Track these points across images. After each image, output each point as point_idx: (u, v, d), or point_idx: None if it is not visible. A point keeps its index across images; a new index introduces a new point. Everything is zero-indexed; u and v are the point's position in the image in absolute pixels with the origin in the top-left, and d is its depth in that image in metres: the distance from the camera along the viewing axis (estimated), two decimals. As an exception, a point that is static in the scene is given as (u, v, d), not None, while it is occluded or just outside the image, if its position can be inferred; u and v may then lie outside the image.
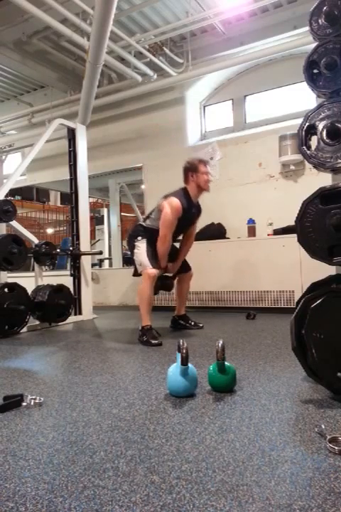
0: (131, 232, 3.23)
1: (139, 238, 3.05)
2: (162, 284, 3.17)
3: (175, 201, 2.95)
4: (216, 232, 4.77)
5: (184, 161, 3.19)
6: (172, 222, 2.95)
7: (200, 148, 5.30)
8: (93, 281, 4.99)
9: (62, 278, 4.40)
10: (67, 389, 1.85)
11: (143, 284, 2.95)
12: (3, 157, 7.22)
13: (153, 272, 2.92)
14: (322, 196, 1.56)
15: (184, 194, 3.06)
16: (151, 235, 3.01)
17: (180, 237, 3.34)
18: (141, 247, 3.00)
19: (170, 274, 3.24)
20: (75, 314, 4.28)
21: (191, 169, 3.10)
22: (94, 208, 10.82)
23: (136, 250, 3.04)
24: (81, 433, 1.33)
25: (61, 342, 3.16)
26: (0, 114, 6.64)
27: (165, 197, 3.04)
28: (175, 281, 3.34)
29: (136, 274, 3.10)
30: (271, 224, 4.42)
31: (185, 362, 1.63)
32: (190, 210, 3.10)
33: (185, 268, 3.32)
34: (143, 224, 3.15)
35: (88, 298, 4.43)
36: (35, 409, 1.58)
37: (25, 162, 4.09)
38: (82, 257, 4.35)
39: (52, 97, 6.00)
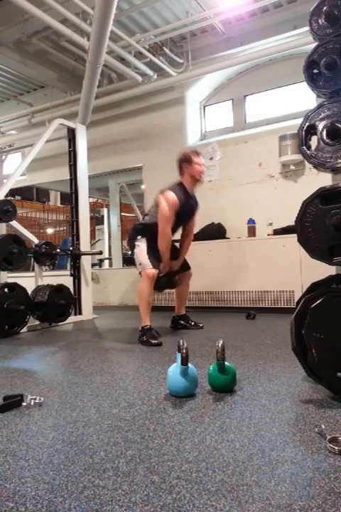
0: (131, 233, 3.24)
1: (139, 237, 3.05)
2: (167, 281, 3.18)
3: (171, 195, 2.96)
4: (216, 232, 4.77)
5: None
6: (169, 216, 2.94)
7: (200, 149, 5.30)
8: (93, 281, 4.99)
9: (62, 278, 4.40)
10: (67, 389, 1.85)
11: (142, 284, 2.95)
12: (3, 157, 7.22)
13: (152, 272, 2.92)
14: (322, 196, 1.56)
15: (179, 187, 3.06)
16: (151, 233, 3.00)
17: (180, 235, 3.34)
18: (141, 246, 3.01)
19: (174, 270, 3.23)
20: (75, 314, 4.28)
21: (185, 160, 3.10)
22: (94, 208, 10.82)
23: (136, 250, 3.04)
24: (81, 433, 1.33)
25: (61, 342, 3.16)
26: (0, 114, 6.64)
27: (162, 192, 3.03)
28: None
29: None
30: (271, 224, 4.43)
31: (185, 362, 1.63)
32: (188, 203, 3.09)
33: (185, 267, 3.31)
34: (142, 221, 3.15)
35: (88, 298, 4.43)
36: (35, 409, 1.58)
37: (25, 162, 4.09)
38: (82, 257, 4.35)
39: (52, 97, 6.00)
